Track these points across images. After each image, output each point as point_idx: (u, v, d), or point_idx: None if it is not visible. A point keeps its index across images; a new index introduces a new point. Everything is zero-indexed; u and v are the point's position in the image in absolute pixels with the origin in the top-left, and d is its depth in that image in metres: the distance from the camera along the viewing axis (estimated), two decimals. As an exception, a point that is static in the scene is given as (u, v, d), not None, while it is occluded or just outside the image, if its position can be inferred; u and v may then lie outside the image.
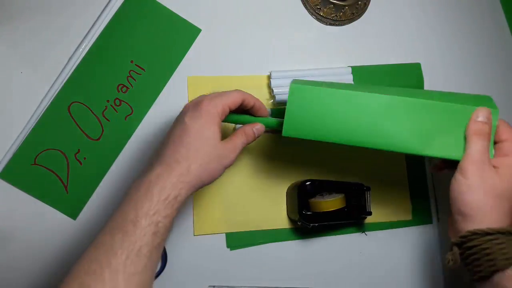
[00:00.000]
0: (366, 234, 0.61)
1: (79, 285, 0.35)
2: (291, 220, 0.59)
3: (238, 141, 0.47)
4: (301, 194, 0.55)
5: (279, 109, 0.60)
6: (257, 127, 0.49)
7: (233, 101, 0.46)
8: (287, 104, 0.47)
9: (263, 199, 0.59)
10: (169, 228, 0.40)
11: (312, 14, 0.65)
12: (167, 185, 0.40)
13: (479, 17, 0.71)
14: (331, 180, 0.58)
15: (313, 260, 0.59)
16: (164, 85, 0.59)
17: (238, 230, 0.58)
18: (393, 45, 0.67)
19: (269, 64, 0.62)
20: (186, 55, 0.60)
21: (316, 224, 0.55)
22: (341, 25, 0.66)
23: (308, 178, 0.57)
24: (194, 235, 0.57)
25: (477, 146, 0.45)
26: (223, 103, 0.45)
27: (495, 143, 0.46)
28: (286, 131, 0.48)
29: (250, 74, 0.61)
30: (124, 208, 0.39)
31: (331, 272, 0.59)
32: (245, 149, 0.59)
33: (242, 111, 0.50)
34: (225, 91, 0.47)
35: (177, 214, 0.41)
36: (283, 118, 0.48)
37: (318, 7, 0.64)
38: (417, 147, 0.47)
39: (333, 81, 0.53)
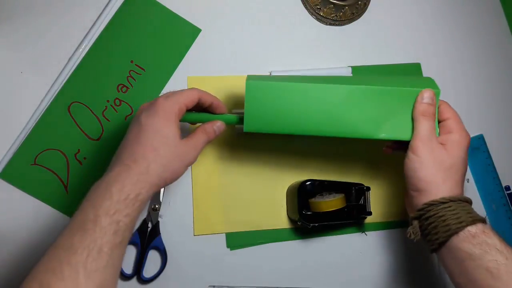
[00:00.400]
0: (366, 234, 0.61)
1: (38, 283, 0.35)
2: (291, 220, 0.59)
3: (199, 139, 0.47)
4: (301, 194, 0.55)
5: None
6: (218, 125, 0.49)
7: (190, 99, 0.46)
8: (245, 100, 0.49)
9: (263, 199, 0.59)
10: (131, 227, 0.40)
11: (312, 14, 0.65)
12: (126, 184, 0.40)
13: (479, 17, 0.71)
14: (331, 180, 0.58)
15: (313, 260, 0.59)
16: (164, 85, 0.59)
17: (238, 230, 0.58)
18: (393, 45, 0.67)
19: (269, 64, 0.62)
20: (186, 55, 0.60)
21: (316, 224, 0.55)
22: (341, 25, 0.66)
23: (308, 178, 0.57)
24: (194, 235, 0.57)
25: (424, 126, 0.48)
26: (179, 102, 0.45)
27: (439, 122, 0.50)
28: (247, 126, 0.49)
29: (250, 74, 0.61)
30: (84, 208, 0.39)
31: (331, 272, 0.59)
32: (245, 150, 0.59)
33: (200, 110, 0.50)
34: (181, 90, 0.47)
35: (139, 213, 0.41)
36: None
37: (318, 7, 0.64)
38: (370, 132, 0.50)
39: (293, 75, 0.55)
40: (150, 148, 0.42)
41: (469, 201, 0.47)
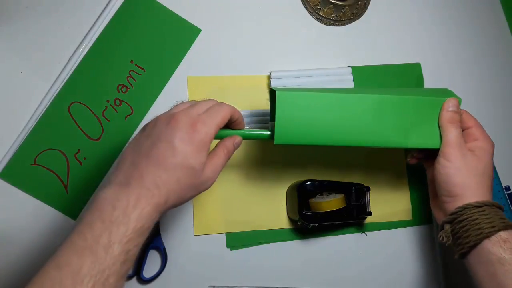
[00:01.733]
0: (366, 234, 0.61)
1: None
2: (291, 220, 0.59)
3: (219, 160, 0.44)
4: (301, 194, 0.55)
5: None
6: (237, 141, 0.47)
7: (225, 119, 0.44)
8: (276, 112, 0.47)
9: (263, 199, 0.59)
10: (136, 256, 0.37)
11: (312, 14, 0.65)
12: (145, 213, 0.37)
13: (479, 17, 0.71)
14: (331, 180, 0.58)
15: (313, 260, 0.59)
16: (164, 85, 0.59)
17: (238, 230, 0.58)
18: (393, 45, 0.67)
19: (269, 64, 0.62)
20: (186, 55, 0.60)
21: (316, 224, 0.55)
22: (341, 25, 0.66)
23: (308, 178, 0.57)
24: (194, 235, 0.57)
25: (454, 133, 0.49)
26: (216, 125, 0.42)
27: (462, 130, 0.51)
28: (278, 139, 0.47)
29: (250, 74, 0.61)
30: (96, 225, 0.35)
31: (331, 272, 0.59)
32: (245, 150, 0.59)
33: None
34: (215, 107, 0.43)
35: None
36: (268, 128, 0.49)
37: (318, 7, 0.64)
38: (399, 141, 0.50)
39: (312, 87, 0.55)
40: (174, 178, 0.39)
41: (501, 207, 0.48)
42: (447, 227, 0.48)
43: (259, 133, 0.49)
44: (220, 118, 0.43)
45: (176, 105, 0.44)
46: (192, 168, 0.40)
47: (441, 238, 0.48)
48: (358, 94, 0.49)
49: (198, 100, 0.45)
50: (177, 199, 0.40)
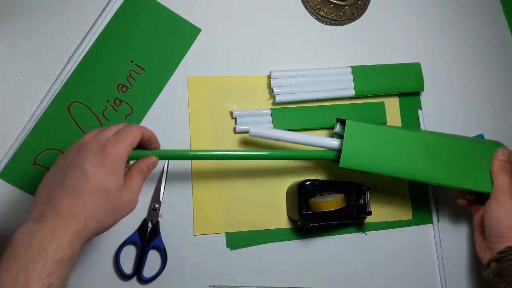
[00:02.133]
0: (366, 234, 0.61)
1: None
2: (291, 220, 0.59)
3: (136, 182, 0.43)
4: (301, 194, 0.55)
5: (279, 109, 0.60)
6: (152, 161, 0.46)
7: (136, 139, 0.43)
8: (344, 138, 0.52)
9: (263, 199, 0.59)
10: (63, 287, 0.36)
11: (312, 14, 0.65)
12: (63, 243, 0.36)
13: (479, 17, 0.71)
14: (331, 180, 0.58)
15: (313, 260, 0.59)
16: (164, 85, 0.59)
17: (238, 230, 0.58)
18: (393, 45, 0.67)
19: (269, 64, 0.62)
20: (186, 55, 0.60)
21: (316, 224, 0.55)
22: (341, 25, 0.66)
23: (308, 178, 0.57)
24: (194, 235, 0.57)
25: (504, 179, 0.54)
26: (126, 145, 0.41)
27: None
28: (343, 163, 0.52)
29: (250, 74, 0.61)
30: (13, 266, 0.34)
31: (331, 272, 0.59)
32: (245, 150, 0.59)
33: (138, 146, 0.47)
34: (124, 129, 0.43)
35: (71, 271, 0.37)
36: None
37: (318, 7, 0.64)
38: (454, 181, 0.55)
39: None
40: (91, 203, 0.38)
41: None
42: (494, 264, 0.51)
43: (325, 153, 0.55)
44: (130, 138, 0.42)
45: (86, 134, 0.43)
46: (108, 191, 0.39)
47: (487, 275, 0.52)
48: (417, 133, 0.55)
49: (119, 128, 0.44)
50: (97, 224, 0.39)
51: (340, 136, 0.56)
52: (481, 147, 0.56)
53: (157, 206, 0.55)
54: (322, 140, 0.55)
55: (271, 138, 0.55)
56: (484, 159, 0.56)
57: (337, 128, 0.58)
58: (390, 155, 0.53)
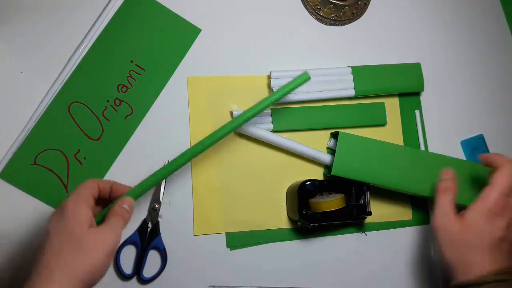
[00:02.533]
0: (366, 234, 0.61)
1: None
2: (291, 220, 0.59)
3: (115, 222, 0.43)
4: (301, 194, 0.55)
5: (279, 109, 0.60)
6: (127, 202, 0.45)
7: (89, 186, 0.44)
8: (337, 148, 0.56)
9: (263, 199, 0.59)
10: None
11: (312, 14, 0.65)
12: None
13: (479, 17, 0.71)
14: (331, 180, 0.58)
15: (313, 260, 0.59)
16: (164, 85, 0.59)
17: (238, 230, 0.58)
18: (393, 45, 0.67)
19: (269, 64, 0.62)
20: (186, 55, 0.60)
21: (316, 224, 0.55)
22: (341, 25, 0.66)
23: (308, 178, 0.57)
24: (194, 235, 0.57)
25: (444, 198, 0.52)
26: (80, 192, 0.42)
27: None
28: (335, 170, 0.56)
29: (250, 74, 0.61)
30: None
31: (331, 272, 0.59)
32: (245, 150, 0.59)
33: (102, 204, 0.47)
34: (77, 189, 0.44)
35: None
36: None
37: (318, 7, 0.64)
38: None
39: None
40: (50, 252, 0.39)
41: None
42: None
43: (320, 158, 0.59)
44: (82, 186, 0.44)
45: None
46: (69, 232, 0.40)
47: None
48: (406, 147, 0.61)
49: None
50: (71, 271, 0.38)
51: (332, 151, 0.60)
52: (469, 164, 0.59)
53: (157, 206, 0.55)
54: (314, 153, 0.59)
55: (260, 138, 0.58)
56: (473, 175, 0.58)
57: (331, 143, 0.61)
58: (379, 166, 0.57)
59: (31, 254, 0.53)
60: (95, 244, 0.40)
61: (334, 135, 0.60)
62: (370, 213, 0.57)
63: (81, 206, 0.41)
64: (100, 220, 0.45)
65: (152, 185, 0.49)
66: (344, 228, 0.60)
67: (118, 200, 0.46)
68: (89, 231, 0.40)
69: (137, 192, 0.48)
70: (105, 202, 0.47)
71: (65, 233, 0.39)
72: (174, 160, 0.49)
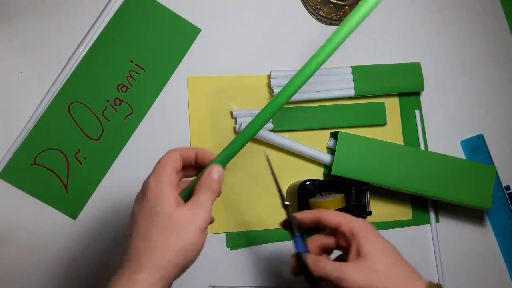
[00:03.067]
0: (366, 234, 0.61)
1: None
2: (291, 220, 0.59)
3: (203, 195, 0.38)
4: (301, 194, 0.55)
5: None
6: (217, 171, 0.40)
7: (172, 159, 0.39)
8: (336, 148, 0.57)
9: (263, 199, 0.59)
10: None
11: (312, 14, 0.65)
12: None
13: (479, 17, 0.71)
14: (331, 180, 0.58)
15: (313, 260, 0.59)
16: (164, 85, 0.59)
17: (238, 230, 0.58)
18: (393, 45, 0.67)
19: (269, 64, 0.62)
20: (186, 55, 0.60)
21: (317, 224, 0.55)
22: (341, 25, 0.66)
23: (308, 178, 0.57)
24: (194, 235, 0.56)
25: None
26: (165, 175, 0.38)
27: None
28: (335, 170, 0.57)
29: (250, 74, 0.61)
30: None
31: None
32: (245, 150, 0.59)
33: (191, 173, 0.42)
34: (157, 163, 0.39)
35: None
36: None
37: (318, 7, 0.64)
38: (441, 194, 0.58)
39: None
40: (138, 237, 0.36)
41: None
42: None
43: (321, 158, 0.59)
44: (165, 161, 0.39)
45: None
46: (156, 214, 0.36)
47: None
48: (404, 146, 0.60)
49: None
50: (159, 253, 0.36)
51: (332, 151, 0.59)
52: (469, 164, 0.59)
53: (157, 206, 0.55)
54: (314, 153, 0.59)
55: (260, 138, 0.58)
56: (473, 174, 0.58)
57: (331, 143, 0.61)
58: (379, 166, 0.57)
59: (31, 254, 0.53)
60: (184, 223, 0.36)
61: (334, 135, 0.60)
62: (370, 213, 0.57)
63: (163, 186, 0.37)
64: (188, 194, 0.40)
65: (241, 147, 0.42)
66: (344, 228, 0.60)
67: (205, 170, 0.40)
68: (176, 211, 0.36)
69: (226, 159, 0.41)
70: (192, 170, 0.42)
71: (151, 216, 0.36)
72: (259, 115, 0.42)
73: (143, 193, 0.38)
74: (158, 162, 0.39)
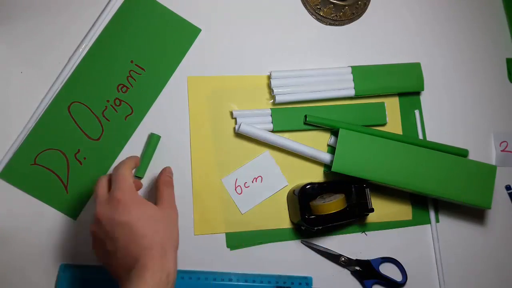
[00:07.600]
0: (366, 234, 0.61)
1: None
2: (294, 224, 0.59)
3: (167, 194, 0.49)
4: (302, 198, 0.55)
5: (279, 109, 0.60)
6: (168, 170, 0.53)
7: (131, 166, 0.48)
8: (337, 145, 0.57)
9: (263, 199, 0.59)
10: None
11: (312, 14, 0.65)
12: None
13: (479, 17, 0.71)
14: (331, 181, 0.58)
15: (313, 260, 0.59)
16: (164, 85, 0.59)
17: (238, 230, 0.58)
18: (393, 45, 0.67)
19: (269, 64, 0.62)
20: (186, 55, 0.60)
21: (320, 227, 0.55)
22: (341, 25, 0.66)
23: (308, 180, 0.57)
24: (194, 235, 0.57)
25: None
26: (127, 184, 0.46)
27: None
28: (335, 167, 0.56)
29: (250, 74, 0.61)
30: None
31: (331, 272, 0.59)
32: (245, 150, 0.59)
33: None
34: (114, 174, 0.47)
35: None
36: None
37: (318, 7, 0.64)
38: (443, 193, 0.58)
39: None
40: (150, 234, 0.43)
41: None
42: None
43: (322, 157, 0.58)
44: (122, 166, 0.47)
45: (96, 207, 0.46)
46: (151, 216, 0.45)
47: None
48: (406, 144, 0.59)
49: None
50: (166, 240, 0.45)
51: (333, 149, 0.59)
52: (470, 162, 0.59)
53: (157, 206, 0.55)
54: (314, 152, 0.59)
55: (259, 139, 0.58)
56: (474, 173, 0.58)
57: (331, 140, 0.61)
58: (379, 163, 0.57)
59: (31, 254, 0.53)
60: (167, 216, 0.47)
61: (335, 133, 0.60)
62: (372, 210, 0.57)
63: (135, 195, 0.46)
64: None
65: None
66: (346, 228, 0.60)
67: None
68: (158, 207, 0.47)
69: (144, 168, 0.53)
70: None
71: (142, 214, 0.44)
72: None
73: (112, 206, 0.44)
74: (115, 175, 0.46)
